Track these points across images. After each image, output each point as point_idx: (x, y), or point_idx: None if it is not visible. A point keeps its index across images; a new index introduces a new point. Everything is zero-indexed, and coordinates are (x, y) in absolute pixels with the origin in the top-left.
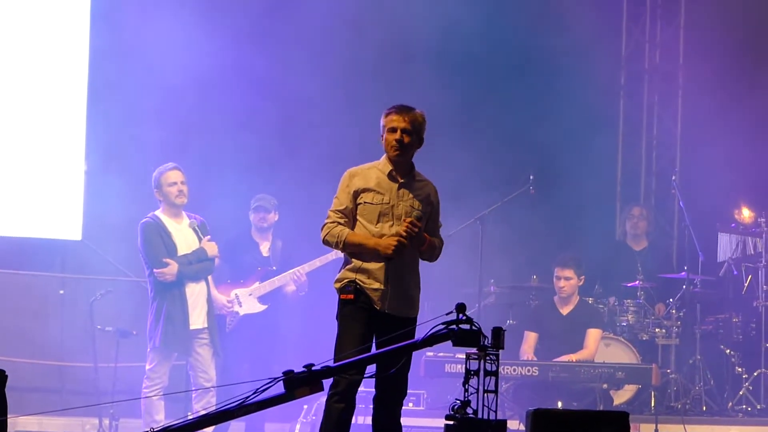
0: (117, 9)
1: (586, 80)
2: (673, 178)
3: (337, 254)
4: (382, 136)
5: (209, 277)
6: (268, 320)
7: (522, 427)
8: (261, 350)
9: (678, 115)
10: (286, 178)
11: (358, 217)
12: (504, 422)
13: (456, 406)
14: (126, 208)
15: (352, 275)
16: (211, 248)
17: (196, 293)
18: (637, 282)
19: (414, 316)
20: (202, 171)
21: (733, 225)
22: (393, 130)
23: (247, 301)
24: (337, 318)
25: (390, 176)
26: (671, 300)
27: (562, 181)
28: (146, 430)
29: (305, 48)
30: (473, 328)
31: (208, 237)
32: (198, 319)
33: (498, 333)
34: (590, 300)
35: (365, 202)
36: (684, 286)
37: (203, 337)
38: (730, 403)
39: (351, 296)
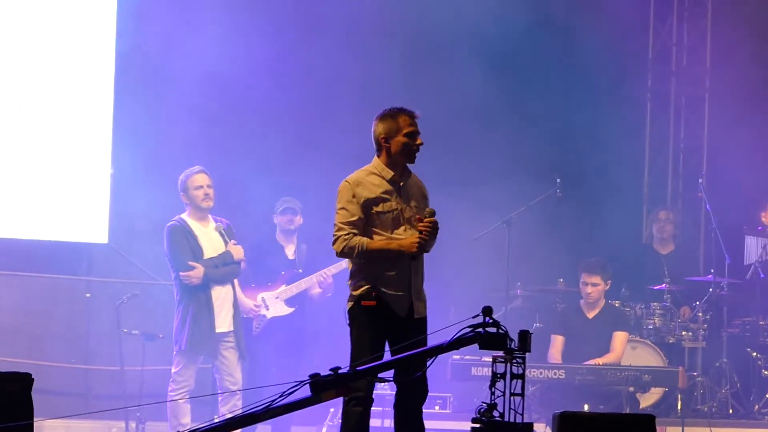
0: (143, 10)
1: (612, 82)
2: (700, 180)
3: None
4: (387, 138)
5: (235, 281)
6: (294, 323)
7: (549, 430)
8: (288, 354)
9: (705, 118)
10: (310, 182)
11: (373, 228)
12: (530, 425)
13: (482, 409)
14: (152, 212)
15: (370, 283)
16: (237, 252)
17: (222, 297)
18: (663, 285)
19: (426, 314)
20: (229, 174)
21: (759, 228)
22: (413, 134)
23: (274, 304)
24: (351, 324)
25: (391, 181)
26: (698, 303)
27: (589, 183)
28: None
29: (333, 48)
30: (500, 331)
31: (234, 241)
32: (224, 322)
33: (525, 336)
34: (617, 303)
35: (378, 213)
36: (711, 289)
37: (229, 340)
38: (757, 406)
39: (373, 303)
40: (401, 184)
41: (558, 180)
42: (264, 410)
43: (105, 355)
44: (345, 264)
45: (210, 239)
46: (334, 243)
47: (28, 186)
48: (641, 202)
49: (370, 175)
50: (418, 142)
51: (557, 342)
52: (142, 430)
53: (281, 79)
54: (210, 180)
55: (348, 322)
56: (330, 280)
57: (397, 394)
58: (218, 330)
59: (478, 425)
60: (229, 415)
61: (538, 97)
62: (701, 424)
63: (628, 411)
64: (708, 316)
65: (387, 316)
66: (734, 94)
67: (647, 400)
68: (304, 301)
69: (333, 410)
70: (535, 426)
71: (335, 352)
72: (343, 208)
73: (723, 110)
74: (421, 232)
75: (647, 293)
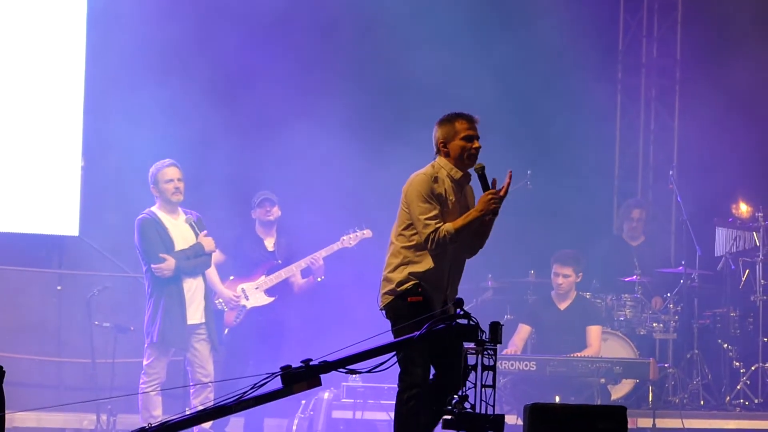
0: (114, 3)
1: (583, 74)
2: (671, 172)
3: (343, 245)
4: (445, 143)
5: (215, 273)
6: (275, 314)
7: (520, 422)
8: (267, 346)
9: (675, 110)
10: (285, 175)
11: None
12: (502, 417)
13: (454, 401)
14: (123, 204)
15: (415, 279)
16: (208, 243)
17: (193, 288)
18: (634, 277)
19: None
20: (199, 167)
21: (730, 219)
22: (470, 138)
23: (253, 294)
24: (396, 319)
25: (458, 182)
26: (669, 294)
27: (560, 175)
28: (144, 425)
29: (308, 44)
30: (471, 322)
31: (205, 232)
32: (195, 314)
33: (496, 328)
34: (587, 295)
35: (445, 210)
36: (681, 281)
37: (201, 332)
38: (728, 398)
39: (420, 298)
40: (464, 186)
41: (528, 172)
42: (235, 402)
43: (76, 348)
44: (324, 253)
45: (181, 231)
46: (425, 239)
47: None
48: (612, 193)
49: (440, 172)
50: (476, 145)
51: (522, 331)
52: (113, 423)
53: (249, 68)
54: (181, 173)
55: (389, 315)
56: (321, 262)
57: (434, 377)
58: (190, 322)
59: (449, 417)
60: (201, 408)
61: (507, 89)
62: (673, 415)
63: (599, 403)
64: (679, 308)
65: (427, 313)
66: (704, 86)
67: (618, 391)
68: (283, 292)
69: (305, 402)
70: (507, 418)
71: (312, 345)
72: (426, 202)
73: (693, 102)
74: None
75: (618, 285)
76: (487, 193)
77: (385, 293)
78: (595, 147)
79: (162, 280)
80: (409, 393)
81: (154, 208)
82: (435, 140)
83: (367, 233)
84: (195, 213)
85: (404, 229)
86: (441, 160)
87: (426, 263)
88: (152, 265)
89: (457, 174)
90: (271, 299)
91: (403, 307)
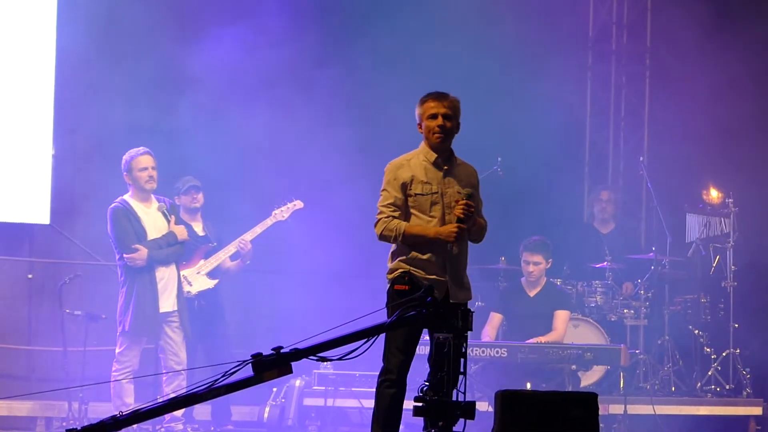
0: None
1: (552, 60)
2: (641, 159)
3: (276, 219)
4: (420, 124)
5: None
6: (213, 300)
7: (491, 409)
8: (211, 332)
9: (645, 97)
10: (206, 160)
11: (411, 209)
12: (473, 404)
13: (425, 388)
14: (94, 192)
15: (406, 266)
16: (181, 232)
17: (166, 277)
18: (605, 263)
19: (470, 299)
20: (172, 155)
21: (701, 206)
22: (434, 116)
23: (196, 279)
24: (387, 307)
25: (435, 164)
26: (639, 281)
27: (530, 162)
28: (115, 413)
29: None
30: (441, 310)
31: (174, 218)
32: (167, 302)
33: (466, 315)
34: (558, 281)
35: (416, 194)
36: (652, 267)
37: (173, 319)
38: (699, 384)
39: (406, 287)
40: (446, 167)
41: (499, 158)
42: (206, 390)
43: (47, 336)
44: (259, 229)
45: (153, 220)
46: (375, 225)
47: None
48: (582, 180)
49: (415, 158)
50: (438, 122)
51: (494, 319)
52: (85, 411)
53: (217, 59)
54: (154, 162)
55: (387, 303)
56: (249, 245)
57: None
58: (162, 310)
59: (420, 404)
60: (173, 395)
61: (477, 75)
62: (644, 401)
63: (570, 389)
64: (650, 294)
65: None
66: (674, 73)
67: (589, 378)
68: (219, 275)
69: (276, 390)
70: (478, 404)
71: (256, 328)
72: (384, 190)
73: (663, 89)
74: (458, 217)
75: (589, 271)
76: (456, 225)
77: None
78: (566, 134)
79: (135, 269)
80: (383, 377)
81: (126, 197)
82: (417, 122)
83: (298, 204)
84: (168, 200)
85: None
86: (422, 144)
87: (418, 250)
88: (125, 255)
89: (431, 156)
90: (215, 282)
91: (393, 295)
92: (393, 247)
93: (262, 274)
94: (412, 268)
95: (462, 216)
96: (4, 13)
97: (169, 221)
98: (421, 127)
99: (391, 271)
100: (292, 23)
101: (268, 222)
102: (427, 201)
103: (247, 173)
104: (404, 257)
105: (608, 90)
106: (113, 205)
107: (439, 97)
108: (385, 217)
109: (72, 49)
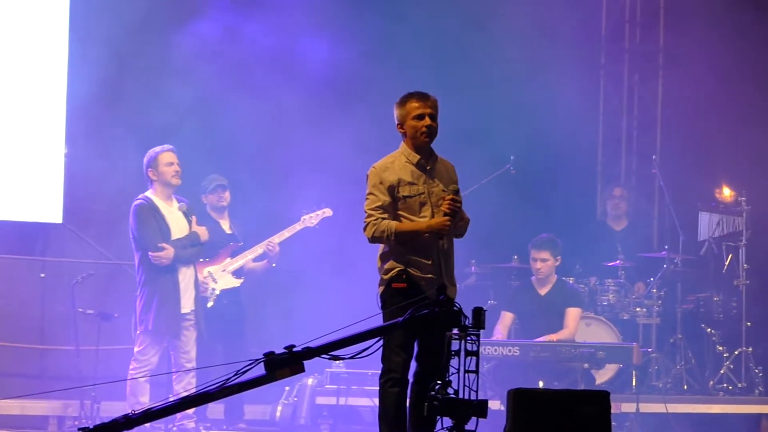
0: None
1: (565, 59)
2: (654, 157)
3: (304, 225)
4: (401, 124)
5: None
6: (236, 299)
7: (503, 407)
8: (232, 331)
9: (658, 95)
10: (235, 159)
11: (399, 212)
12: (485, 402)
13: (437, 387)
14: (106, 191)
15: (401, 265)
16: (203, 232)
17: (187, 278)
18: (617, 261)
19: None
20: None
21: (713, 204)
22: (420, 116)
23: (221, 277)
24: (384, 307)
25: (418, 165)
26: (652, 279)
27: (543, 161)
28: (127, 412)
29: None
30: (454, 308)
31: (195, 219)
32: (187, 303)
33: (479, 313)
34: (571, 280)
35: (404, 197)
36: (665, 265)
37: (190, 318)
38: (711, 382)
39: (404, 285)
40: (428, 167)
41: (512, 157)
42: (218, 389)
43: (60, 335)
44: (287, 233)
45: (176, 219)
46: (364, 229)
47: None
48: (595, 179)
49: (398, 160)
50: (426, 123)
51: (506, 318)
52: (97, 410)
53: (228, 60)
54: (177, 159)
55: (380, 305)
56: (277, 248)
57: (416, 371)
58: (182, 311)
59: (433, 402)
60: (184, 393)
61: (490, 75)
62: (656, 400)
63: (582, 387)
64: (662, 293)
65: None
66: (687, 72)
67: (602, 376)
68: (246, 274)
69: (288, 389)
70: (490, 403)
71: (275, 328)
72: (371, 194)
73: (676, 88)
74: (446, 213)
75: (601, 269)
76: (446, 219)
77: (379, 284)
78: (579, 132)
79: (158, 268)
80: (386, 377)
81: (149, 194)
82: (396, 123)
83: (328, 212)
84: (186, 200)
85: None
86: (402, 145)
87: (412, 249)
88: (150, 253)
89: (414, 158)
90: (240, 281)
91: (392, 294)
92: (382, 248)
93: (286, 274)
94: (408, 267)
95: (449, 211)
96: (18, 12)
97: (190, 221)
98: (402, 128)
99: (387, 271)
100: (333, 19)
101: (297, 227)
102: (416, 202)
103: (274, 173)
104: (398, 257)
105: (621, 88)
106: (137, 201)
107: (422, 97)
108: (374, 220)
109: (85, 49)
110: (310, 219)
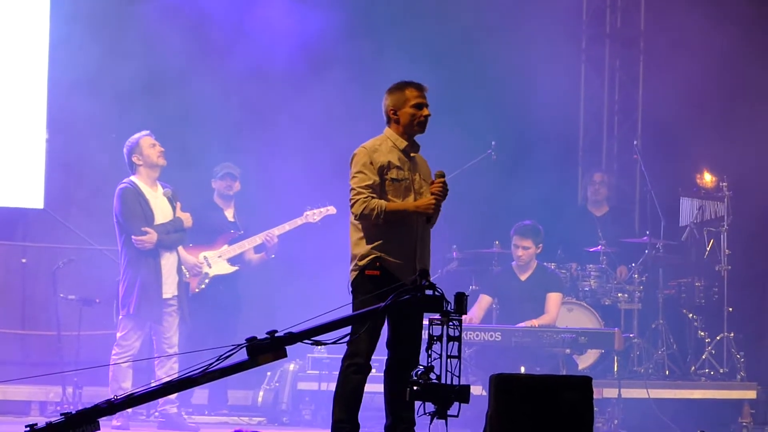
0: None
1: (546, 44)
2: (635, 143)
3: (306, 220)
4: (395, 110)
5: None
6: (232, 286)
7: (485, 393)
8: (225, 317)
9: (639, 80)
10: (246, 150)
11: (386, 195)
12: (467, 387)
13: (419, 372)
14: (87, 177)
15: (376, 252)
16: (187, 219)
17: (170, 263)
18: (599, 247)
19: None
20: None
21: (695, 189)
22: (420, 105)
23: (216, 262)
24: (354, 294)
25: (404, 152)
26: (633, 264)
27: (524, 146)
28: (109, 398)
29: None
30: (436, 293)
31: (179, 205)
32: (170, 288)
33: (461, 298)
34: (552, 265)
35: (392, 179)
36: (646, 251)
37: (172, 304)
38: (693, 367)
39: (377, 272)
40: (412, 155)
41: (493, 142)
42: (201, 374)
43: (41, 321)
44: (288, 226)
45: (160, 204)
46: (352, 206)
47: None
48: (576, 164)
49: (384, 144)
50: (425, 113)
51: (483, 301)
52: (79, 395)
53: (212, 46)
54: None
55: (350, 291)
56: (276, 240)
57: (389, 360)
58: (164, 296)
59: (415, 388)
60: (166, 379)
61: (470, 59)
62: (638, 385)
63: (564, 373)
64: (644, 278)
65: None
66: (668, 56)
67: (584, 362)
68: (242, 264)
69: (270, 374)
70: (472, 388)
71: (271, 315)
72: (360, 172)
73: (657, 72)
74: (433, 193)
75: (583, 255)
76: (433, 199)
77: (352, 269)
78: (560, 118)
79: (140, 252)
80: (350, 361)
81: (134, 178)
82: (385, 108)
83: (331, 210)
84: (170, 186)
85: None
86: (388, 131)
87: (388, 235)
88: (134, 237)
89: (402, 144)
90: (235, 268)
91: (364, 282)
92: (357, 234)
93: (283, 264)
94: (383, 253)
95: (438, 192)
96: None
97: (174, 207)
98: (394, 114)
99: (362, 257)
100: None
101: (298, 221)
102: (401, 187)
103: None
104: (374, 243)
105: (602, 73)
106: (122, 185)
107: (420, 87)
108: (365, 197)
109: (66, 33)
110: (313, 215)
